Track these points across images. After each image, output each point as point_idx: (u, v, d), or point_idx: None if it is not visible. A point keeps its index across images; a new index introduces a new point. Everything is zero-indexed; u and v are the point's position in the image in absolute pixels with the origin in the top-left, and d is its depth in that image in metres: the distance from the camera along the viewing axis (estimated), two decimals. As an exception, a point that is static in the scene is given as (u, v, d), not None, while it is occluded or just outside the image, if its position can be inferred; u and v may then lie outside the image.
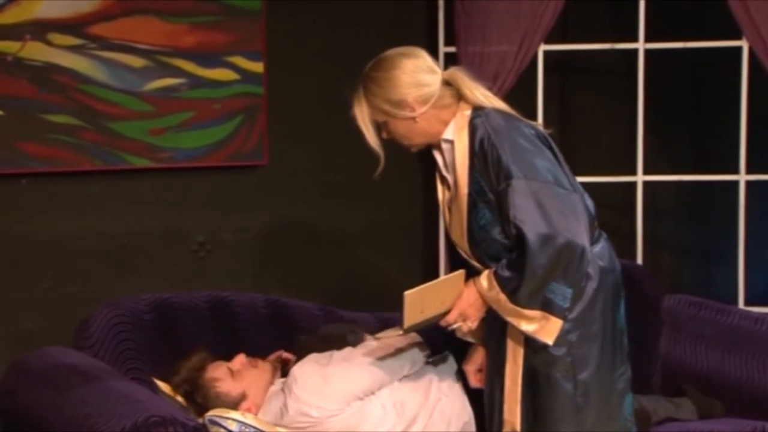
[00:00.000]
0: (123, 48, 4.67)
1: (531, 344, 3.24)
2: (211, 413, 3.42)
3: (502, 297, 3.19)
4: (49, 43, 4.56)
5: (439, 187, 3.43)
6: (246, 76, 4.90)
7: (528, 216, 3.13)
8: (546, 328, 3.18)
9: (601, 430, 3.25)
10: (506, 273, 3.18)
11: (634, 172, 5.18)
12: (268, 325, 4.15)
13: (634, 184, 5.19)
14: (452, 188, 3.34)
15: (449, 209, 3.39)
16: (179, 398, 3.67)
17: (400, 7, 5.22)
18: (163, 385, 3.67)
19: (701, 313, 4.40)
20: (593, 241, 3.31)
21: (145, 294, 4.11)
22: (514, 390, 3.25)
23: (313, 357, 3.64)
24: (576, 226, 3.16)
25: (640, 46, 5.11)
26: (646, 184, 5.20)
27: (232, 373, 3.63)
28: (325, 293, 4.84)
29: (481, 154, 3.21)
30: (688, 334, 4.36)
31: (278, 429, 3.44)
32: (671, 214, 5.72)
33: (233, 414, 3.41)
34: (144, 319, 3.99)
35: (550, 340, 3.19)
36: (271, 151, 4.99)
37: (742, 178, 5.10)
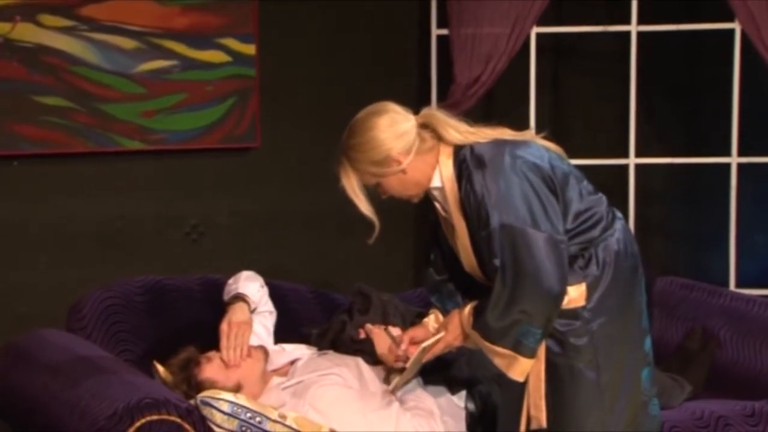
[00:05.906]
0: (114, 29, 4.66)
1: (554, 339, 3.26)
2: (203, 394, 3.41)
3: (474, 333, 3.25)
4: (39, 25, 4.55)
5: (443, 226, 3.41)
6: (238, 58, 4.89)
7: (503, 261, 3.16)
8: (514, 367, 3.22)
9: (625, 412, 3.29)
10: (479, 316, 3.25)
11: (626, 155, 5.18)
12: (260, 308, 4.14)
13: (626, 167, 5.19)
14: (453, 228, 3.34)
15: (456, 245, 3.38)
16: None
17: (392, -11, 5.21)
18: (162, 370, 3.66)
19: (693, 294, 4.40)
20: (607, 227, 3.31)
21: (138, 276, 4.11)
22: (537, 386, 3.28)
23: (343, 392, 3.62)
24: (545, 271, 3.15)
25: (633, 28, 5.11)
26: (639, 167, 5.21)
27: (226, 364, 3.61)
28: (317, 276, 4.84)
29: (467, 201, 3.24)
30: (680, 316, 4.37)
31: (271, 408, 3.44)
32: (663, 197, 5.73)
33: (225, 395, 3.40)
34: (136, 301, 3.98)
35: (520, 378, 3.24)
36: (263, 133, 4.98)
37: (734, 160, 5.10)
